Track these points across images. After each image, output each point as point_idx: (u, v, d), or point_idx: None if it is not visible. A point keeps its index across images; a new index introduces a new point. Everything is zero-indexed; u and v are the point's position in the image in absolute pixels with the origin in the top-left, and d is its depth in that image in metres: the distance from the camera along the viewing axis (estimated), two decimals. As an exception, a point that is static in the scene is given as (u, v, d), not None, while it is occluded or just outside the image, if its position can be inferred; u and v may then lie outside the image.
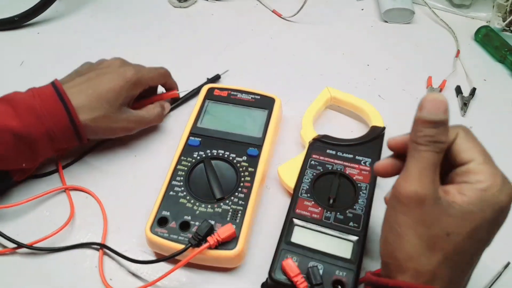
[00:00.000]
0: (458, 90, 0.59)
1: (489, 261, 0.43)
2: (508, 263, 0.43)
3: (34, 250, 0.42)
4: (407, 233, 0.29)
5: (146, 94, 0.51)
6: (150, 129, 0.52)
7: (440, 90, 0.59)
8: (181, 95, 0.55)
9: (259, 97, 0.51)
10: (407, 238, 0.29)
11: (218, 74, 0.58)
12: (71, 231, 0.44)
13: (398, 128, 0.54)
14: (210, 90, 0.52)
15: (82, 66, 0.48)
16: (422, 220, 0.28)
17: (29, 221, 0.45)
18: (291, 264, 0.36)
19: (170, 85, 0.53)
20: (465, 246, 0.28)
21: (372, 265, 0.42)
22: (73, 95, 0.43)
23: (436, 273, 0.28)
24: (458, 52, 0.64)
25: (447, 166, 0.30)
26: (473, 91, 0.58)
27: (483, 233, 0.29)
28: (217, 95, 0.51)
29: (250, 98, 0.51)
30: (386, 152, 0.49)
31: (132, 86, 0.46)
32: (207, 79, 0.57)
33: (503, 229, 0.46)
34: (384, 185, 0.48)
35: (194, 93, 0.56)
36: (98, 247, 0.42)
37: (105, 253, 0.42)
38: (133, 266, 0.41)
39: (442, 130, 0.29)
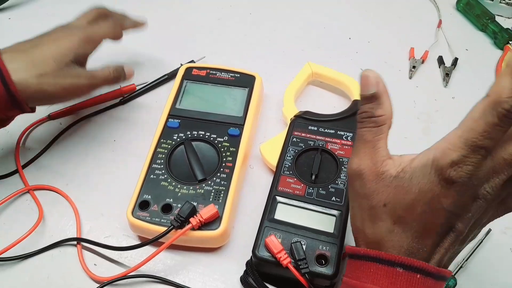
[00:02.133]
0: (440, 61, 0.58)
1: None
2: (489, 230, 0.43)
3: (4, 261, 0.40)
4: (353, 206, 0.31)
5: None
6: (129, 112, 0.51)
7: (423, 61, 0.58)
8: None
9: (239, 75, 0.50)
10: (354, 211, 0.31)
11: (192, 60, 0.56)
12: (43, 233, 0.42)
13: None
14: (188, 70, 0.51)
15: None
16: (362, 193, 0.29)
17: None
18: (274, 240, 0.36)
19: (129, 27, 0.51)
20: (406, 215, 0.27)
21: (356, 238, 0.42)
22: (11, 57, 0.39)
23: (384, 242, 0.28)
24: (440, 22, 0.63)
25: None
26: (455, 61, 0.58)
27: (422, 202, 0.27)
28: (196, 74, 0.50)
29: (229, 76, 0.50)
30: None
31: (82, 43, 0.43)
32: (181, 64, 0.55)
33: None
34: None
35: (171, 76, 0.55)
36: (75, 242, 0.41)
37: (84, 247, 0.41)
38: (117, 253, 0.41)
39: (376, 104, 0.28)
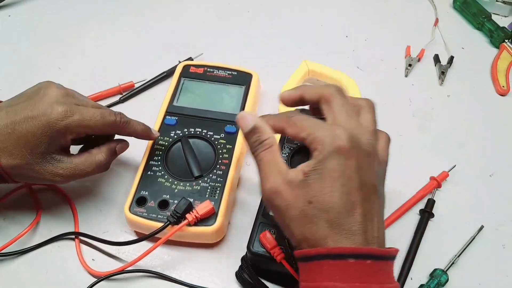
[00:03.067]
0: (436, 59, 0.59)
1: (465, 225, 0.45)
2: (482, 227, 0.44)
3: (3, 256, 0.41)
4: (284, 223, 0.31)
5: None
6: (127, 110, 0.51)
7: (419, 60, 0.59)
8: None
9: (236, 73, 0.51)
10: (287, 227, 0.31)
11: (190, 57, 0.57)
12: (41, 229, 0.43)
13: (375, 99, 0.54)
14: (186, 68, 0.51)
15: (22, 93, 0.40)
16: (285, 205, 0.30)
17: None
18: (268, 236, 0.37)
19: (133, 134, 0.42)
20: (331, 199, 0.29)
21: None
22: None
23: (325, 236, 0.29)
24: (437, 20, 0.63)
25: None
26: (451, 59, 0.58)
27: (338, 182, 0.29)
28: (193, 72, 0.51)
29: (226, 74, 0.51)
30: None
31: (56, 133, 0.36)
32: (179, 62, 0.56)
33: (477, 195, 0.47)
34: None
35: (169, 73, 0.55)
36: (73, 236, 0.42)
37: (82, 242, 0.42)
38: (114, 248, 0.42)
39: (261, 131, 0.32)
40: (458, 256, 0.42)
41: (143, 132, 0.42)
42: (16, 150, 0.36)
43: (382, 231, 0.31)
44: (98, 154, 0.40)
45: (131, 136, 0.42)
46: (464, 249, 0.42)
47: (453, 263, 0.41)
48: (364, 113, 0.33)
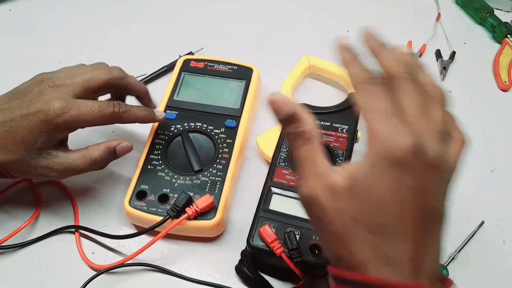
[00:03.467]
0: (438, 54, 0.58)
1: (465, 220, 0.44)
2: (482, 222, 0.44)
3: (3, 249, 0.41)
4: (322, 235, 0.28)
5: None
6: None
7: (420, 55, 0.58)
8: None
9: (236, 67, 0.51)
10: (324, 239, 0.28)
11: (191, 52, 0.56)
12: (42, 222, 0.43)
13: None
14: (186, 62, 0.51)
15: (17, 88, 0.40)
16: (324, 218, 0.26)
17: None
18: (268, 230, 0.37)
19: (134, 121, 0.41)
20: (380, 219, 0.24)
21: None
22: None
23: (368, 260, 0.25)
24: (439, 15, 0.63)
25: None
26: (452, 54, 0.58)
27: (389, 198, 0.24)
28: (194, 66, 0.50)
29: (227, 68, 0.50)
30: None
31: (54, 129, 0.36)
32: (179, 56, 0.56)
33: (478, 190, 0.47)
34: (361, 152, 0.48)
35: (169, 68, 0.55)
36: (73, 230, 0.42)
37: (82, 235, 0.42)
38: (114, 242, 0.42)
39: (299, 120, 0.27)
40: (459, 252, 0.42)
41: (145, 118, 0.41)
42: (13, 147, 0.36)
43: (436, 262, 0.26)
44: (95, 151, 0.39)
45: (136, 122, 0.41)
46: (464, 244, 0.42)
47: (453, 258, 0.41)
48: (435, 107, 0.26)
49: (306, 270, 0.36)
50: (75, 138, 0.41)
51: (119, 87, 0.41)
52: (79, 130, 0.39)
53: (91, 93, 0.39)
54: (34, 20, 0.62)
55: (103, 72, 0.40)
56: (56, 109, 0.36)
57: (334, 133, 0.45)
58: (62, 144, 0.39)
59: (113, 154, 0.41)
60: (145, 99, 0.44)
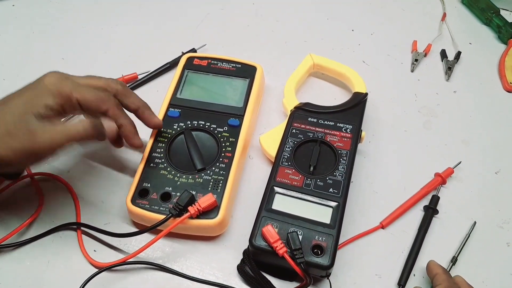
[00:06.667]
0: (443, 54, 0.58)
1: (469, 222, 0.44)
2: (475, 223, 0.44)
3: (6, 247, 0.40)
4: None
5: None
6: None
7: (425, 55, 0.58)
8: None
9: (240, 65, 0.50)
10: None
11: (193, 48, 0.56)
12: (44, 220, 0.43)
13: (381, 94, 0.54)
14: (190, 60, 0.51)
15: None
16: None
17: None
18: (271, 230, 0.37)
19: (119, 124, 0.39)
20: None
21: (352, 229, 0.43)
22: None
23: None
24: (444, 15, 0.63)
25: None
26: (458, 54, 0.57)
27: None
28: (197, 64, 0.50)
29: (230, 67, 0.50)
30: (367, 119, 0.50)
31: (49, 94, 0.35)
32: (182, 53, 0.55)
33: (482, 192, 0.47)
34: (365, 152, 0.48)
35: (172, 64, 0.55)
36: (75, 227, 0.42)
37: (84, 232, 0.42)
38: (116, 240, 0.41)
39: None
40: (459, 254, 0.41)
41: (129, 130, 0.40)
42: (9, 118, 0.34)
43: None
44: (78, 125, 0.36)
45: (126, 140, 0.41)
46: (463, 246, 0.42)
47: (455, 260, 0.41)
48: None
49: (308, 270, 0.36)
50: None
51: (117, 92, 0.40)
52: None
53: None
54: (37, 16, 0.62)
55: (108, 80, 0.39)
56: (51, 78, 0.36)
57: (338, 133, 0.44)
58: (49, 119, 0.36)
59: (100, 135, 0.37)
60: (144, 117, 0.42)
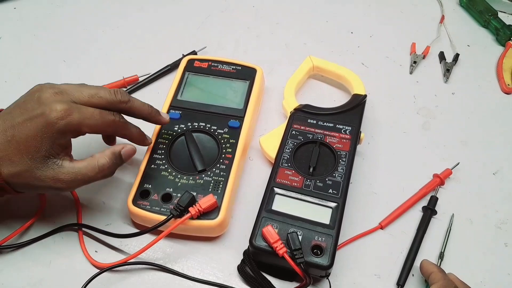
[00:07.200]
0: (442, 56, 0.58)
1: (467, 223, 0.45)
2: (453, 215, 0.45)
3: (7, 247, 0.41)
4: None
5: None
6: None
7: (424, 57, 0.58)
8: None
9: (240, 68, 0.51)
10: None
11: (194, 51, 0.57)
12: (45, 221, 0.43)
13: (380, 96, 0.54)
14: (190, 62, 0.51)
15: (16, 101, 0.38)
16: None
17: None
18: (271, 230, 0.37)
19: (128, 136, 0.41)
20: None
21: (351, 230, 0.43)
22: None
23: None
24: (443, 17, 0.63)
25: None
26: (456, 57, 0.58)
27: None
28: (197, 66, 0.51)
29: (231, 69, 0.51)
30: (366, 120, 0.50)
31: (57, 133, 0.35)
32: (183, 55, 0.56)
33: (480, 193, 0.47)
34: (364, 153, 0.49)
35: (173, 67, 0.55)
36: (77, 228, 0.42)
37: (86, 233, 0.42)
38: (117, 240, 0.42)
39: None
40: (443, 251, 0.42)
41: (139, 137, 0.42)
42: (17, 157, 0.35)
43: None
44: (101, 158, 0.38)
45: (134, 138, 0.42)
46: (446, 241, 0.43)
47: (442, 256, 0.42)
48: None
49: (308, 270, 0.36)
50: (79, 153, 0.41)
51: (121, 110, 0.40)
52: (82, 141, 0.38)
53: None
54: (38, 18, 0.63)
55: (108, 93, 0.38)
56: (58, 111, 0.35)
57: (337, 134, 0.45)
58: (67, 154, 0.38)
59: (119, 159, 0.40)
60: (151, 121, 0.42)
